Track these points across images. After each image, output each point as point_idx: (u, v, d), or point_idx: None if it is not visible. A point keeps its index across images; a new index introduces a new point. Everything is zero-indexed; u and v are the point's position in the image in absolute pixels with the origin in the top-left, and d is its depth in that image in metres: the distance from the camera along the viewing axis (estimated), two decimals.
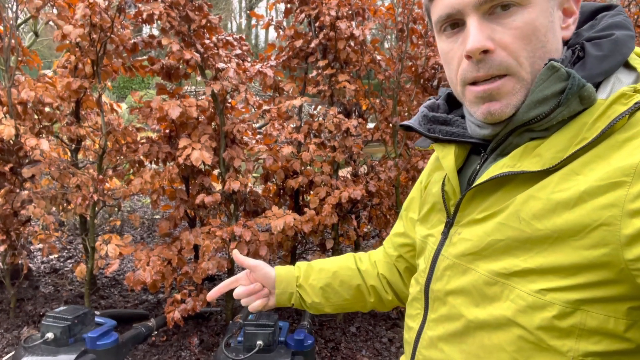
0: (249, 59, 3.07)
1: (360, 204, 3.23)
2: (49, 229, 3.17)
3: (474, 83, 0.63)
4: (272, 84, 3.18)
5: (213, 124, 3.10)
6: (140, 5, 2.50)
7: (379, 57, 3.14)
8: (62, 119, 3.09)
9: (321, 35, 2.88)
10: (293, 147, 3.05)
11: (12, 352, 2.69)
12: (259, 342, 2.24)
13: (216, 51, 2.69)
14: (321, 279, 1.01)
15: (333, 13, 2.76)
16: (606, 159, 0.54)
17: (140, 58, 3.15)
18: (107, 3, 2.56)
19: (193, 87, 3.88)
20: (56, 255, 4.42)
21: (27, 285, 3.57)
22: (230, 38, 2.93)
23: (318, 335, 3.04)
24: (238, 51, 3.03)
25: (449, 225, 0.72)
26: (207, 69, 2.80)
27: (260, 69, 2.80)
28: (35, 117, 3.07)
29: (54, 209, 3.05)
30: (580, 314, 0.54)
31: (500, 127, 0.65)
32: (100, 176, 2.88)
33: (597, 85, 0.60)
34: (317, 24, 2.86)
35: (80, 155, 3.49)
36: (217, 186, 3.30)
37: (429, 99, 0.83)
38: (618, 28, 0.63)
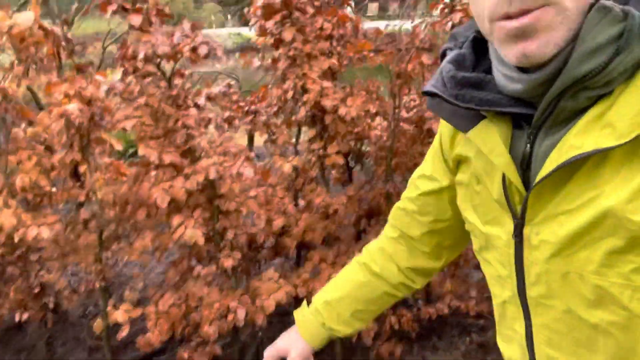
0: None
1: None
2: None
3: (505, 18, 0.51)
4: None
5: None
6: None
7: None
8: None
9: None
10: None
11: None
12: None
13: None
14: (346, 310, 0.91)
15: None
16: None
17: None
18: None
19: None
20: None
21: None
22: None
23: None
24: None
25: (519, 226, 0.60)
26: None
27: None
28: None
29: None
30: None
31: (539, 83, 0.53)
32: None
33: None
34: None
35: None
36: None
37: (451, 48, 0.66)
38: None
